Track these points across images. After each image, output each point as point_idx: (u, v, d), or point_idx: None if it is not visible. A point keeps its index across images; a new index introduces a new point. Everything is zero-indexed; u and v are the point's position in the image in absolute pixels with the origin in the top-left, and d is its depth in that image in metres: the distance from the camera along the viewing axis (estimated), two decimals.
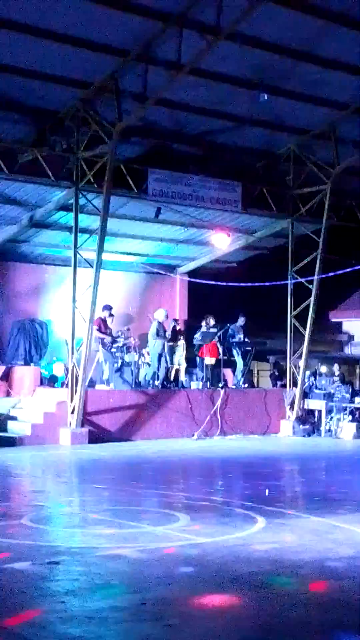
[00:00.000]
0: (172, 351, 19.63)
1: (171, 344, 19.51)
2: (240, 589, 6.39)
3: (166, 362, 19.21)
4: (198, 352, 20.05)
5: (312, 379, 21.40)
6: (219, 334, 19.75)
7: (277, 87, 17.06)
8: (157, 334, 18.98)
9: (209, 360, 19.89)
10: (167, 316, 19.57)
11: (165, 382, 19.12)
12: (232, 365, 20.87)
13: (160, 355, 18.99)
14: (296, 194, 20.34)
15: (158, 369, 19.00)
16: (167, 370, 19.40)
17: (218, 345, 19.78)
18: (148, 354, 19.30)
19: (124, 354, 18.66)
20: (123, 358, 18.64)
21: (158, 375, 18.98)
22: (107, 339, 18.21)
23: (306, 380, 20.75)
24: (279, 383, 21.99)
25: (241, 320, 20.59)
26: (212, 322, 19.90)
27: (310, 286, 20.01)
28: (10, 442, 16.29)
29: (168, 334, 19.33)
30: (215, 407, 18.86)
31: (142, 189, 18.02)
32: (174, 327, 20.02)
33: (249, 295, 20.62)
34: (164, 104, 16.86)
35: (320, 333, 23.75)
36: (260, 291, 20.24)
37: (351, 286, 25.61)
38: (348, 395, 20.08)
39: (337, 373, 21.71)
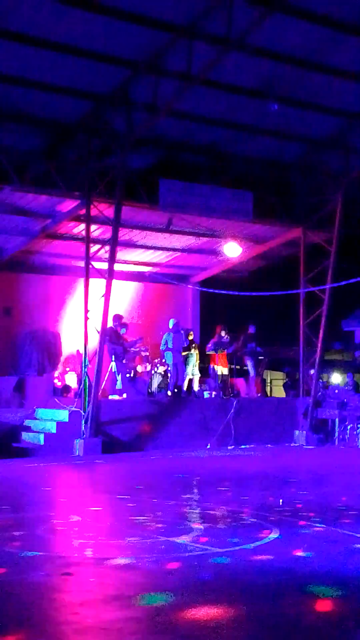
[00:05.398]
0: (185, 361, 19.60)
1: (184, 353, 19.48)
2: (254, 600, 6.36)
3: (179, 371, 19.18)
4: (210, 362, 20.04)
5: (324, 388, 21.30)
6: (231, 344, 19.73)
7: (287, 97, 17.10)
8: (164, 344, 18.96)
9: (222, 370, 19.87)
10: (177, 324, 19.43)
11: (176, 392, 19.07)
12: (245, 374, 20.83)
13: (174, 365, 18.99)
14: (307, 202, 20.33)
15: (176, 379, 19.00)
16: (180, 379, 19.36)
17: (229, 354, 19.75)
18: (161, 364, 19.26)
19: (136, 364, 18.63)
20: (135, 368, 18.62)
21: (176, 385, 18.96)
22: (119, 350, 18.21)
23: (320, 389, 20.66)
24: (292, 392, 21.91)
25: (252, 329, 20.58)
26: (223, 332, 19.87)
27: (322, 295, 19.98)
28: (24, 453, 16.33)
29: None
30: (228, 417, 18.81)
31: (153, 199, 18.06)
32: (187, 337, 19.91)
33: (261, 305, 20.59)
34: (174, 114, 16.93)
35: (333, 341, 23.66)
36: (272, 300, 20.20)
37: None
38: None
39: (350, 382, 21.62)
